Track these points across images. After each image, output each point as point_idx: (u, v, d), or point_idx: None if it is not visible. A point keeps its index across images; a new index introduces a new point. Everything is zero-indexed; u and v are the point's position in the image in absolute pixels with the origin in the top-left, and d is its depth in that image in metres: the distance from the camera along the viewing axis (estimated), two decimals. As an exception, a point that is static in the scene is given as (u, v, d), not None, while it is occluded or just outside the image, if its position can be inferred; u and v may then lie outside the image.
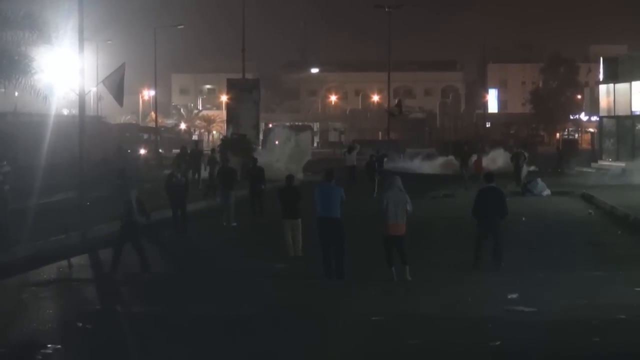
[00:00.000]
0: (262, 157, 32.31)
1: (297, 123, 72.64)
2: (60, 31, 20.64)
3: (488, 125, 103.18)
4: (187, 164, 32.33)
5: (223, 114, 78.02)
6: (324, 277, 15.11)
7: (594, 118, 65.94)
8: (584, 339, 11.07)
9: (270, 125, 56.16)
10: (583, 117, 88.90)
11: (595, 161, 50.49)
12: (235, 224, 22.87)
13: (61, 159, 31.94)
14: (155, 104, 68.99)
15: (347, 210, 15.90)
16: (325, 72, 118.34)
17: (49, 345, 10.92)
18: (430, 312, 12.69)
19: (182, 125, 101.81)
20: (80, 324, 12.20)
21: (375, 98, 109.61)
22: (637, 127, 48.30)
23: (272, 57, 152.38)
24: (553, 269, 16.02)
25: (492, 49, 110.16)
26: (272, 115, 79.89)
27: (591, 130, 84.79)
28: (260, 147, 46.44)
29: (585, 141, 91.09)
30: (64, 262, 16.80)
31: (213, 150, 37.21)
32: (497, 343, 10.88)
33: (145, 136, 60.46)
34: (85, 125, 21.80)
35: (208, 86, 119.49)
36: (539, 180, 33.43)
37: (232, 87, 51.70)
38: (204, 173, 35.19)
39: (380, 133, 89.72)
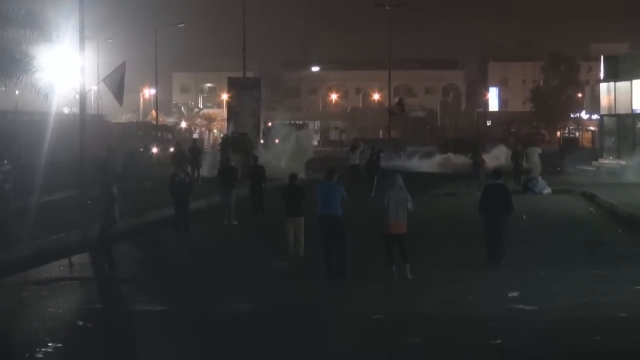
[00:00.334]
0: (263, 156, 32.29)
1: (294, 122, 72.47)
2: (61, 29, 20.66)
3: (489, 123, 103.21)
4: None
5: (224, 112, 78.00)
6: (324, 276, 15.11)
7: (595, 116, 65.87)
8: (584, 337, 11.07)
9: (269, 124, 56.04)
10: (584, 115, 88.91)
11: (596, 159, 50.47)
12: (235, 222, 22.87)
13: (62, 157, 31.95)
14: (156, 103, 69.04)
15: (348, 209, 15.89)
16: (326, 70, 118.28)
17: (49, 344, 10.93)
18: (431, 311, 12.69)
19: (183, 124, 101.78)
20: (81, 323, 12.21)
21: (376, 96, 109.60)
22: (637, 126, 48.25)
23: (272, 55, 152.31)
24: (554, 267, 16.02)
25: (492, 48, 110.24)
26: (273, 114, 79.79)
27: (592, 128, 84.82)
28: (261, 146, 46.38)
29: (585, 139, 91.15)
30: (65, 261, 16.81)
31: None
32: (497, 341, 10.88)
33: (159, 134, 60.36)
34: (85, 124, 21.81)
35: (209, 85, 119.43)
36: (539, 178, 33.42)
37: (232, 85, 51.65)
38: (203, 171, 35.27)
39: (381, 131, 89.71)
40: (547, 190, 32.15)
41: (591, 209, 26.32)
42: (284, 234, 17.48)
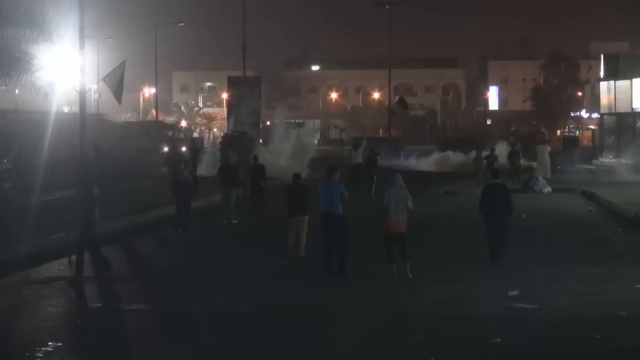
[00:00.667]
0: (263, 155, 32.24)
1: (292, 121, 72.43)
2: (61, 29, 20.67)
3: (489, 122, 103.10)
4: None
5: (224, 111, 77.98)
6: (325, 275, 15.11)
7: (595, 115, 65.88)
8: (584, 335, 11.07)
9: (268, 123, 55.92)
10: (584, 114, 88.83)
11: (596, 158, 50.47)
12: (235, 221, 22.87)
13: (62, 156, 31.93)
14: (156, 102, 68.98)
15: (349, 208, 15.89)
16: (326, 69, 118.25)
17: (50, 343, 10.93)
18: (431, 309, 12.70)
19: (183, 123, 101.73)
20: (81, 322, 12.22)
21: (376, 95, 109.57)
22: (637, 124, 48.28)
23: (272, 54, 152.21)
24: (554, 266, 16.02)
25: (492, 46, 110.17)
26: (273, 113, 79.79)
27: (592, 127, 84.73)
28: (261, 145, 46.30)
29: (586, 138, 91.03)
30: (65, 260, 16.80)
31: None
32: (497, 340, 10.89)
33: (170, 133, 60.34)
34: (85, 123, 21.81)
35: (209, 84, 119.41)
36: (539, 177, 33.41)
37: (233, 84, 51.64)
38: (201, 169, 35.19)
39: (380, 130, 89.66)
40: (547, 189, 32.14)
41: (591, 208, 26.31)
42: (284, 233, 17.47)
